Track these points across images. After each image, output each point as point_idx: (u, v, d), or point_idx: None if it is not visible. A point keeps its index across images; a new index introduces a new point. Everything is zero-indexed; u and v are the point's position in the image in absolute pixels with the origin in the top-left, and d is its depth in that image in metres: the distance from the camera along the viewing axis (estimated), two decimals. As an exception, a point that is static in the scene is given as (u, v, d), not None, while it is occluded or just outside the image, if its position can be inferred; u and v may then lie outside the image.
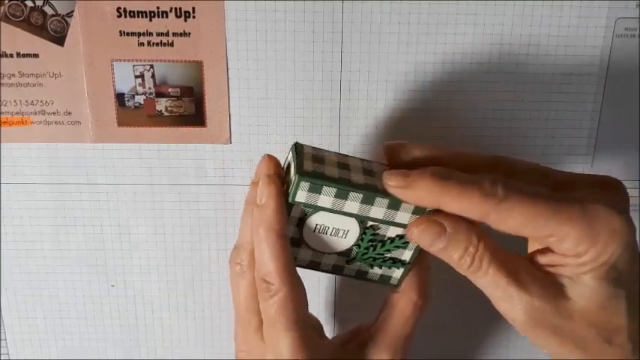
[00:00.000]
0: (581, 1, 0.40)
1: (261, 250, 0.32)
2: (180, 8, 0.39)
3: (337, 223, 0.33)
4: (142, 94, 0.40)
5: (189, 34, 0.39)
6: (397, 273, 0.35)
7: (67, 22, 0.39)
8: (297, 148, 0.33)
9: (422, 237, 0.31)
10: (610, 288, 0.29)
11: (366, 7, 0.39)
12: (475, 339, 0.48)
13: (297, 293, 0.32)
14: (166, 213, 0.44)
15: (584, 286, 0.29)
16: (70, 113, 0.41)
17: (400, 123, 0.42)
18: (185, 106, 0.41)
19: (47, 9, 0.38)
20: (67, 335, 0.46)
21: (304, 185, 0.31)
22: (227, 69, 0.40)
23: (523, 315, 0.30)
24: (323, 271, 0.35)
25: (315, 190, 0.31)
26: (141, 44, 0.39)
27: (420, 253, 0.34)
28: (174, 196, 0.43)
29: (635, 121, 0.42)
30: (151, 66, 0.40)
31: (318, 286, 0.46)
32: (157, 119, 0.41)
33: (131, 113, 0.41)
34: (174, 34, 0.39)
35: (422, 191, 0.30)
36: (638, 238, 0.45)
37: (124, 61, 0.40)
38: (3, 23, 0.39)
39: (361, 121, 0.42)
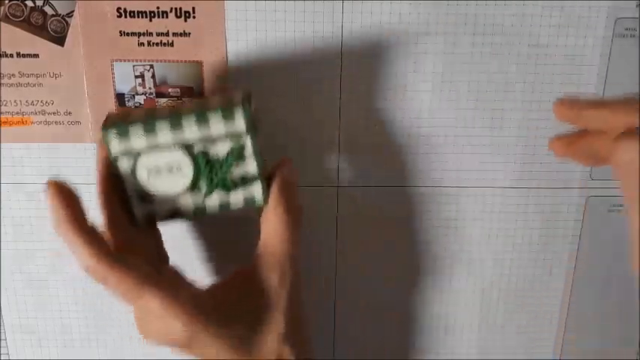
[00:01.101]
0: (581, 1, 0.40)
1: (71, 248, 0.33)
2: (180, 8, 0.39)
3: (164, 159, 0.34)
4: (142, 94, 0.40)
5: (189, 34, 0.39)
6: (257, 190, 0.35)
7: (67, 22, 0.39)
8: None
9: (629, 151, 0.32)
10: None
11: (366, 7, 0.39)
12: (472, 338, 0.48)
13: (125, 270, 0.32)
14: (166, 213, 0.44)
15: None
16: (70, 113, 0.41)
17: (400, 123, 0.42)
18: (185, 106, 0.41)
19: (47, 9, 0.38)
20: (67, 335, 0.46)
21: (112, 134, 0.33)
22: (227, 69, 0.40)
23: None
24: (187, 217, 0.36)
25: (123, 134, 0.33)
26: (141, 44, 0.39)
27: (264, 163, 0.35)
28: (174, 196, 0.43)
29: (635, 121, 0.42)
30: (151, 66, 0.40)
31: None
32: (157, 119, 0.41)
33: (131, 113, 0.41)
34: (174, 34, 0.39)
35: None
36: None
37: (124, 61, 0.40)
38: (3, 23, 0.39)
39: (361, 122, 0.42)
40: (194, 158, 0.33)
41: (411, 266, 0.45)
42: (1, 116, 0.41)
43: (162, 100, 0.41)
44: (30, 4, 0.38)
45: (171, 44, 0.39)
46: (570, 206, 0.44)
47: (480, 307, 0.47)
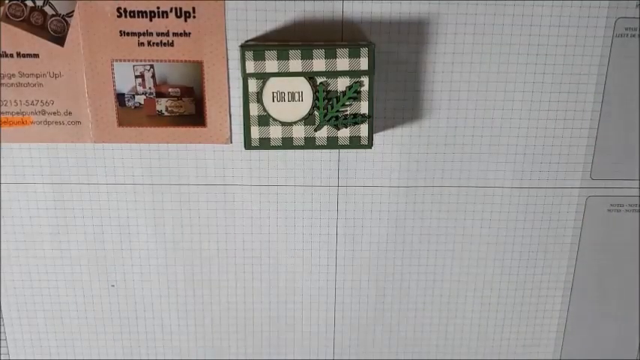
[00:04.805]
0: (581, 1, 0.40)
1: None
2: (180, 8, 0.39)
3: (289, 86, 0.37)
4: (142, 94, 0.40)
5: (189, 34, 0.39)
6: (363, 131, 0.38)
7: (67, 22, 0.39)
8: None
9: None
10: None
11: (366, 7, 0.39)
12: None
13: None
14: (166, 213, 0.44)
15: None
16: (70, 113, 0.41)
17: (400, 123, 0.42)
18: (185, 106, 0.41)
19: (47, 9, 0.38)
20: (67, 335, 0.46)
21: (249, 54, 0.36)
22: (227, 69, 0.40)
23: None
24: (297, 147, 0.38)
25: (259, 56, 0.36)
26: (141, 44, 0.39)
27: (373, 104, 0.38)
28: (174, 196, 0.43)
29: (635, 121, 0.42)
30: (151, 66, 0.40)
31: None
32: (157, 119, 0.41)
33: (131, 113, 0.41)
34: (174, 34, 0.39)
35: None
36: (638, 240, 0.45)
37: (124, 61, 0.40)
38: (3, 23, 0.39)
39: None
40: (315, 89, 0.37)
41: (411, 265, 0.45)
42: (1, 116, 0.41)
43: (163, 100, 0.41)
44: (30, 4, 0.38)
45: (172, 44, 0.39)
46: (570, 206, 0.44)
47: (480, 307, 0.47)
